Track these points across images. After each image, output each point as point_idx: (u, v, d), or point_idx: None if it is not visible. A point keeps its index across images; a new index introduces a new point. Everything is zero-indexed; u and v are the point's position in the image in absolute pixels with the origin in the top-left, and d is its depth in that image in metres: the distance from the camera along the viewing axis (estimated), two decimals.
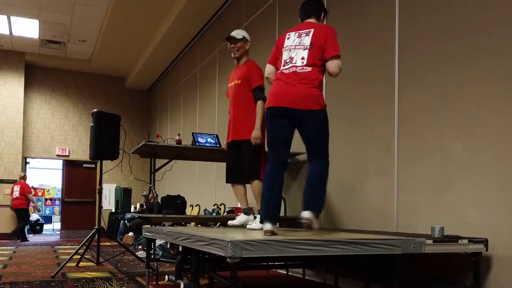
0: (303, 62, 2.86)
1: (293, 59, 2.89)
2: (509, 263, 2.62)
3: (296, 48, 2.92)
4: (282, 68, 2.93)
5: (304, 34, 2.94)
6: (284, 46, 2.96)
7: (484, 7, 2.85)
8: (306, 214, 2.73)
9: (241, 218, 3.59)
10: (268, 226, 2.70)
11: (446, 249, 2.63)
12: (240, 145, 3.61)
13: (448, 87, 3.06)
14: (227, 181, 3.78)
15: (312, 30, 2.94)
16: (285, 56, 2.94)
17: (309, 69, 2.85)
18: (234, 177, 3.72)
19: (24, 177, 9.92)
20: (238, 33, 3.70)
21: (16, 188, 9.67)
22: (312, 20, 3.04)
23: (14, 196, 9.61)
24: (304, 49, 2.89)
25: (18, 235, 9.49)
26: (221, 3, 6.91)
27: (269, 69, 3.09)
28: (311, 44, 2.88)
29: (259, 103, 3.52)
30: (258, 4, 5.85)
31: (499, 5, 2.75)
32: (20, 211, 9.63)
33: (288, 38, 2.98)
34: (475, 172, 2.83)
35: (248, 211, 3.63)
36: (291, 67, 2.88)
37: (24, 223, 9.70)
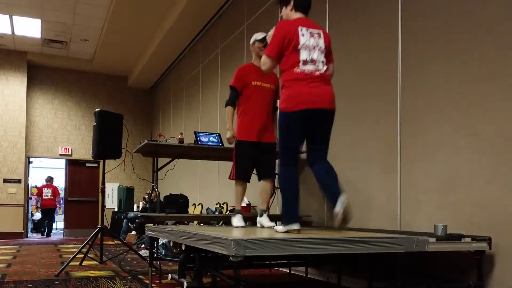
0: (323, 66, 2.86)
1: (316, 62, 2.82)
2: None
3: (316, 50, 2.85)
4: (302, 67, 2.79)
5: (317, 35, 2.89)
6: (301, 43, 2.81)
7: (488, 3, 2.83)
8: (344, 196, 2.71)
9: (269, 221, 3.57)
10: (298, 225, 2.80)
11: (449, 248, 2.63)
12: (272, 146, 3.68)
13: (452, 84, 3.05)
14: (272, 177, 3.70)
15: (321, 32, 2.93)
16: (304, 55, 2.80)
17: (328, 73, 2.91)
18: (269, 174, 3.71)
19: (52, 179, 11.28)
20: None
21: (47, 190, 11.05)
22: (307, 17, 3.00)
23: (46, 197, 11.02)
24: (322, 53, 2.88)
25: (48, 232, 11.04)
26: (223, 1, 6.91)
27: (273, 63, 2.87)
28: (325, 48, 2.91)
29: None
30: (259, 2, 5.84)
31: (503, 0, 2.74)
32: (52, 211, 11.22)
33: (303, 35, 2.83)
34: (478, 170, 2.83)
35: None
36: (314, 70, 2.80)
37: (53, 221, 11.34)
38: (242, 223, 3.53)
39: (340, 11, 4.26)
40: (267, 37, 3.22)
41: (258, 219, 3.59)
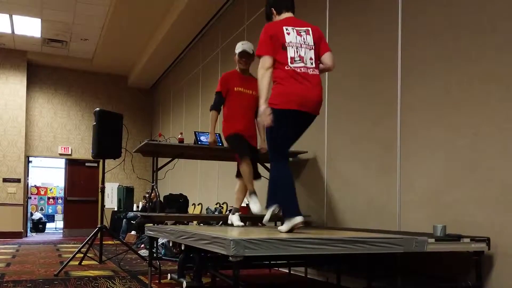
0: (312, 64, 2.90)
1: (304, 59, 2.87)
2: (511, 262, 2.62)
3: (303, 47, 2.89)
4: (291, 65, 2.83)
5: (304, 33, 2.93)
6: (287, 41, 2.86)
7: (488, 3, 2.84)
8: (300, 219, 2.81)
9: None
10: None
11: (448, 248, 2.63)
12: (255, 150, 3.85)
13: (451, 83, 3.05)
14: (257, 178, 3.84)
15: (310, 29, 2.98)
16: (291, 52, 2.85)
17: (317, 71, 2.93)
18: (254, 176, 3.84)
19: None
20: (251, 48, 3.79)
21: None
22: (294, 15, 3.06)
23: None
24: (310, 50, 2.92)
25: None
26: (223, 1, 6.91)
27: (270, 62, 2.86)
28: (314, 44, 2.94)
29: None
30: (260, 2, 5.84)
31: (502, 0, 2.74)
32: None
33: (288, 34, 2.88)
34: (478, 170, 2.83)
35: None
36: (303, 67, 2.86)
37: None
38: (241, 223, 3.66)
39: (340, 11, 4.26)
40: None
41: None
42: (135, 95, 11.91)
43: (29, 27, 8.87)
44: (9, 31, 9.09)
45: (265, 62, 2.86)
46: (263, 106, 2.85)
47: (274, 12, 3.06)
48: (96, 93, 11.48)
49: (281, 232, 2.77)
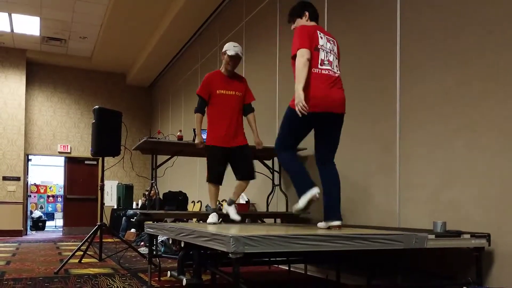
0: (337, 70, 3.04)
1: (332, 64, 2.99)
2: (511, 258, 2.62)
3: (331, 54, 3.02)
4: (320, 66, 2.93)
5: (332, 42, 3.09)
6: (320, 43, 2.97)
7: (485, 4, 2.83)
8: (338, 223, 3.01)
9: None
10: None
11: (448, 244, 2.63)
12: (243, 148, 3.85)
13: (450, 83, 3.05)
14: (250, 178, 3.88)
15: (335, 41, 3.14)
16: (322, 55, 2.95)
17: (340, 77, 3.06)
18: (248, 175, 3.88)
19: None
20: (242, 52, 3.84)
21: None
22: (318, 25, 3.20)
23: None
24: (336, 58, 3.06)
25: None
26: None
27: (309, 54, 2.87)
28: (338, 55, 3.11)
29: (254, 114, 3.97)
30: (257, 0, 5.83)
31: (500, 1, 2.74)
32: None
33: (321, 38, 2.99)
34: (477, 167, 2.83)
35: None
36: (330, 70, 2.97)
37: None
38: (215, 220, 3.75)
39: (338, 11, 4.25)
40: None
41: (226, 206, 3.83)
42: (134, 93, 11.89)
43: (28, 25, 8.84)
44: (8, 29, 9.06)
45: (305, 53, 2.86)
46: (301, 92, 2.79)
47: (308, 15, 3.14)
48: (95, 91, 11.47)
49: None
